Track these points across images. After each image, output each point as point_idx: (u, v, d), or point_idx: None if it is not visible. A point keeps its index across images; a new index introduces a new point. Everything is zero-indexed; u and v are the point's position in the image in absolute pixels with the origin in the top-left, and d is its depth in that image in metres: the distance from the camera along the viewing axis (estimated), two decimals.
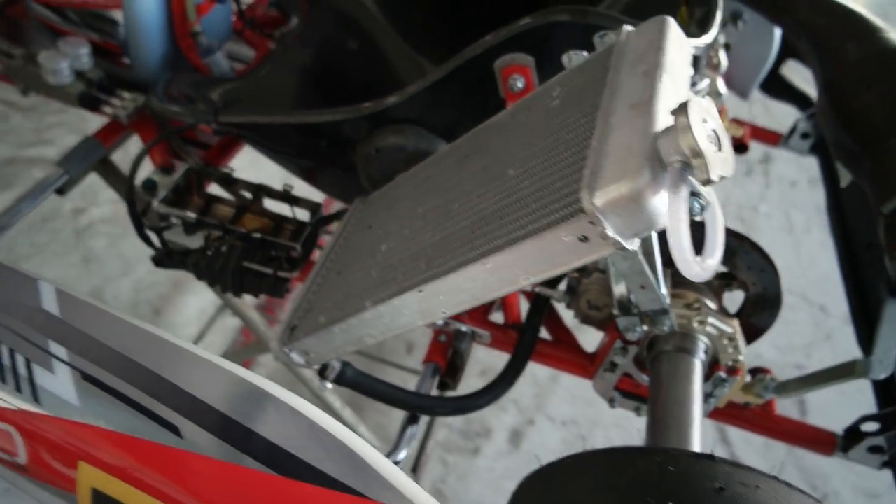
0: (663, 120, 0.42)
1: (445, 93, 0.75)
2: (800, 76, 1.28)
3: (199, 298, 1.67)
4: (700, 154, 0.38)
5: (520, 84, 0.70)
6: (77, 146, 0.92)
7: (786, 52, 1.22)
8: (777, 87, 1.29)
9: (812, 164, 1.32)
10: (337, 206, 0.93)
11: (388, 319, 0.56)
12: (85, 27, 0.96)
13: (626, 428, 1.55)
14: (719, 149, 0.40)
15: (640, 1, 0.85)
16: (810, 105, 1.27)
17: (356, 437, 0.44)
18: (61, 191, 0.91)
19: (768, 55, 1.20)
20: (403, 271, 0.56)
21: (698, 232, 0.42)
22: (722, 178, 0.39)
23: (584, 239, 0.42)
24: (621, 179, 0.39)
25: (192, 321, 1.66)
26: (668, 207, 0.39)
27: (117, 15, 0.93)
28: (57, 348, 0.51)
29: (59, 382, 0.51)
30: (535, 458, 0.61)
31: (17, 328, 0.53)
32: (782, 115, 1.50)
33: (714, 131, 0.40)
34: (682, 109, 0.38)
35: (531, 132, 0.55)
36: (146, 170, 0.86)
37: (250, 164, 1.09)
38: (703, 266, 0.41)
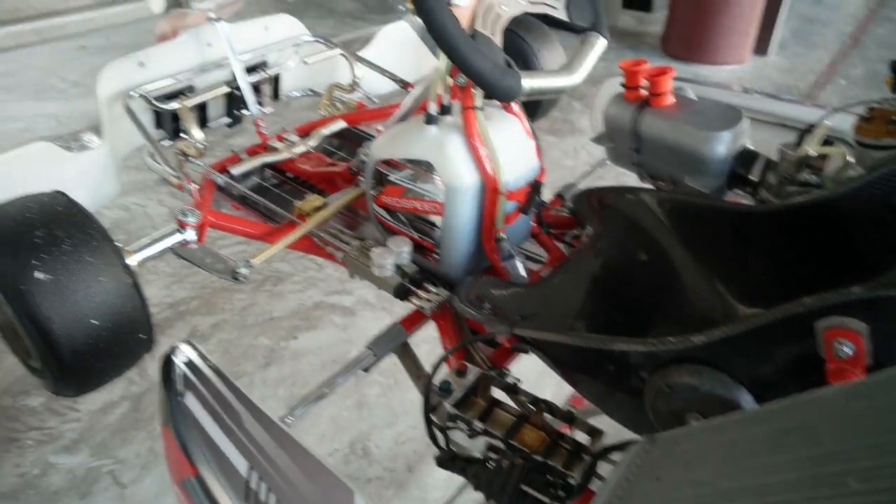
0: None
1: (755, 343, 0.70)
2: None
3: None
4: None
5: (847, 350, 0.63)
6: (385, 332, 1.04)
7: None
8: None
9: None
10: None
11: None
12: (409, 226, 1.11)
13: None
14: None
15: None
16: None
17: None
18: (367, 369, 1.02)
19: None
20: None
21: None
22: None
23: None
24: None
25: (441, 484, 1.70)
26: None
27: (436, 218, 1.06)
28: None
29: None
30: None
31: None
32: None
33: None
34: None
35: (877, 435, 0.48)
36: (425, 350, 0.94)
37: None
38: None
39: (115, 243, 0.96)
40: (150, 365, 2.03)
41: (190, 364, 0.72)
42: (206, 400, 0.65)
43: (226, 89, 1.48)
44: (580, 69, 1.00)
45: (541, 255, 1.24)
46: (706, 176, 1.19)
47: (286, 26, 1.61)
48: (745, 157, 1.17)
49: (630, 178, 1.36)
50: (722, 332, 0.72)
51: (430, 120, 1.04)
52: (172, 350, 0.76)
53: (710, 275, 1.02)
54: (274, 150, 1.46)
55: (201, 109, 1.50)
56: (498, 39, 0.93)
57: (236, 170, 1.38)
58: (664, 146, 1.22)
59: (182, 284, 2.40)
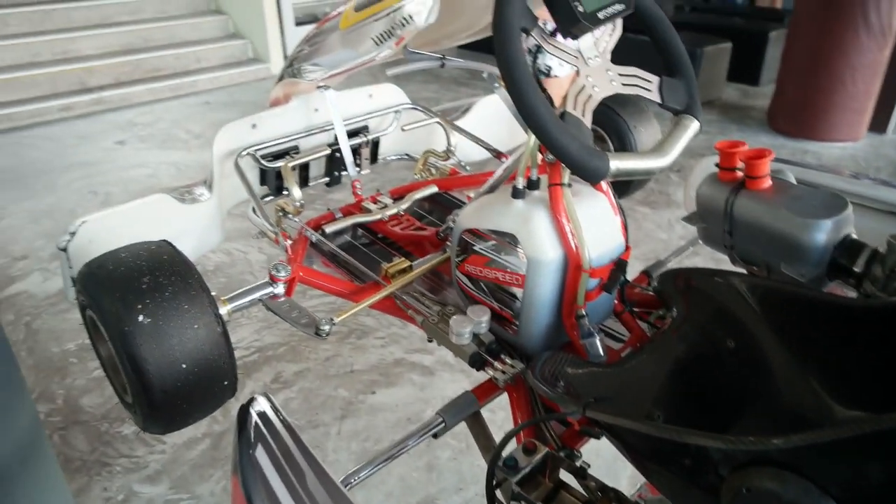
0: None
1: (854, 452, 0.65)
2: None
3: None
4: None
5: None
6: (456, 400, 1.04)
7: None
8: None
9: None
10: None
11: None
12: (490, 296, 1.12)
13: None
14: None
15: None
16: None
17: None
18: (436, 435, 1.02)
19: None
20: None
21: None
22: None
23: None
24: None
25: None
26: None
27: (517, 290, 1.06)
28: None
29: None
30: None
31: None
32: None
33: None
34: None
35: None
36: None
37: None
38: None
39: (211, 293, 1.02)
40: (234, 405, 2.11)
41: (263, 416, 0.75)
42: (275, 454, 0.67)
43: (327, 151, 1.57)
44: (671, 152, 0.99)
45: (623, 333, 1.21)
46: (803, 264, 1.13)
47: (389, 95, 1.70)
48: (849, 247, 1.11)
49: (724, 261, 1.32)
50: (814, 436, 0.67)
51: (516, 194, 1.06)
52: (250, 401, 0.79)
53: (804, 370, 0.96)
54: (367, 210, 1.52)
55: (304, 168, 1.59)
56: (588, 119, 0.94)
57: (329, 228, 1.45)
58: (759, 231, 1.18)
59: (272, 330, 2.50)
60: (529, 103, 0.85)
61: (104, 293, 0.96)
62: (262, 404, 0.78)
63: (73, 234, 1.20)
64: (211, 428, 2.03)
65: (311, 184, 1.64)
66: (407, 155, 1.83)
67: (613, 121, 1.60)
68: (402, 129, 1.71)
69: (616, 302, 1.18)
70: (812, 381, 0.96)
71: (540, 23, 0.93)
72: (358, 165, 1.69)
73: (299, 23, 6.10)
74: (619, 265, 1.07)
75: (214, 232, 1.47)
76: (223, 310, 1.09)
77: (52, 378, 2.27)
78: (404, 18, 1.11)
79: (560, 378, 0.97)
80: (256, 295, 1.16)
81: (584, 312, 1.06)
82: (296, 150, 1.58)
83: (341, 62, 1.29)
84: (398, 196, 1.59)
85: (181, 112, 5.12)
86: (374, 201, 1.55)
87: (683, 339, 1.07)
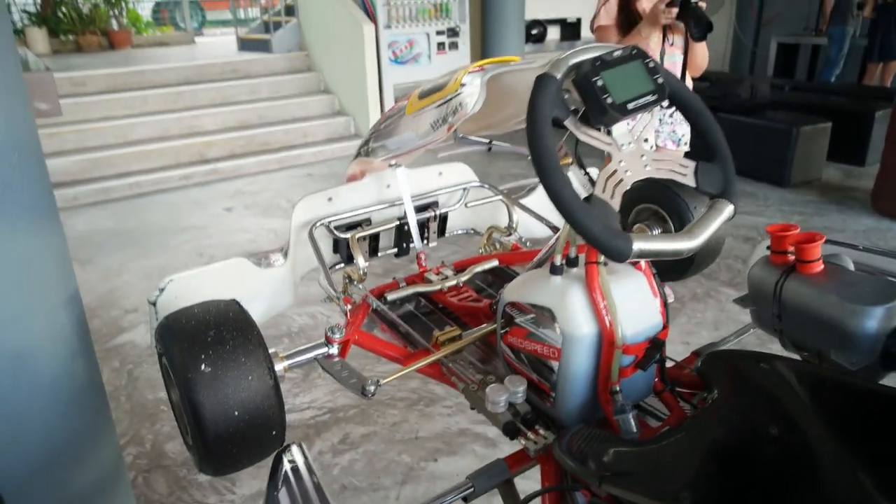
0: None
1: None
2: None
3: None
4: None
5: None
6: (488, 465, 1.07)
7: None
8: None
9: None
10: None
11: None
12: (530, 368, 1.16)
13: None
14: None
15: None
16: None
17: None
18: (466, 500, 1.05)
19: None
20: None
21: None
22: None
23: None
24: None
25: None
26: None
27: (554, 363, 1.10)
28: None
29: None
30: None
31: None
32: None
33: None
34: None
35: None
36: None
37: None
38: None
39: (268, 349, 1.13)
40: None
41: (294, 467, 0.81)
42: (296, 499, 0.74)
43: (395, 224, 1.68)
44: (700, 235, 1.01)
45: (665, 413, 1.20)
46: (854, 352, 1.09)
47: (458, 173, 1.81)
48: None
49: (776, 346, 1.29)
50: None
51: (555, 270, 1.11)
52: (284, 449, 0.86)
53: (852, 463, 0.92)
54: (428, 281, 1.60)
55: (374, 240, 1.71)
56: (616, 202, 0.99)
57: (391, 296, 1.54)
58: (807, 316, 1.15)
59: (345, 392, 2.58)
60: (555, 188, 0.92)
61: (174, 342, 1.08)
62: (295, 454, 0.85)
63: (161, 290, 1.36)
64: None
65: (380, 255, 1.75)
66: (473, 230, 1.92)
67: (673, 201, 1.62)
68: (466, 206, 1.80)
69: (657, 380, 1.18)
70: (861, 476, 0.93)
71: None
72: (426, 238, 1.80)
73: (398, 100, 6.50)
74: (654, 343, 1.09)
75: (286, 295, 1.60)
76: (280, 365, 1.19)
77: (143, 423, 2.46)
78: (457, 106, 1.22)
79: (588, 452, 0.98)
80: (312, 354, 1.25)
81: (617, 388, 1.08)
82: (368, 222, 1.70)
83: (405, 145, 1.41)
84: (461, 269, 1.67)
85: (285, 182, 5.53)
86: (437, 273, 1.64)
87: (721, 421, 1.06)
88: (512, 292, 1.19)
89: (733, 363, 1.12)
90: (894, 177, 4.25)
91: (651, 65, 1.05)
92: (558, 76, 0.97)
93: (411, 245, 1.76)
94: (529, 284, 1.16)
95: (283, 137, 6.13)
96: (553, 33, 8.59)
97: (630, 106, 0.99)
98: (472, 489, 1.04)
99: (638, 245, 0.93)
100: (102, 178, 5.23)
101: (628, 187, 1.03)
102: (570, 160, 1.39)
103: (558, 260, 1.11)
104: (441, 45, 6.60)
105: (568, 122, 1.00)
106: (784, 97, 5.91)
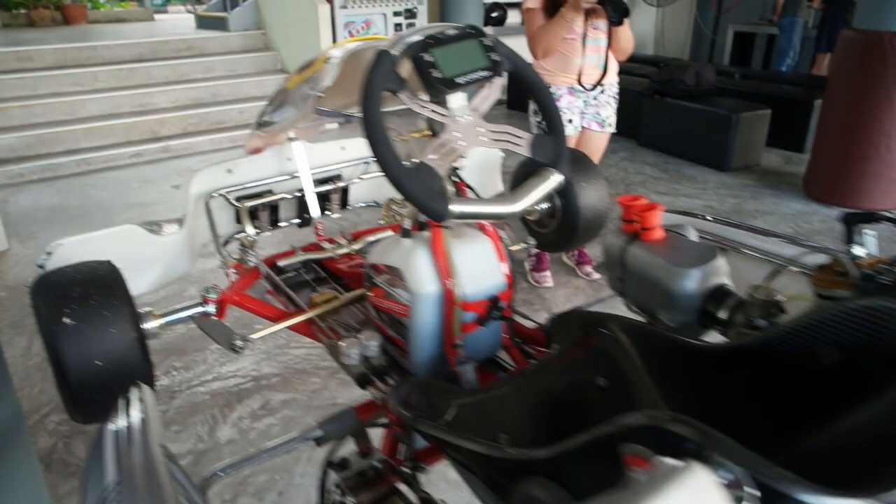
0: None
1: (581, 462, 0.74)
2: None
3: None
4: None
5: (640, 478, 0.65)
6: (338, 413, 1.16)
7: None
8: None
9: None
10: None
11: None
12: (388, 324, 1.25)
13: None
14: None
15: None
16: None
17: None
18: (318, 442, 1.13)
19: None
20: None
21: None
22: None
23: None
24: None
25: None
26: None
27: (406, 320, 1.18)
28: None
29: None
30: None
31: None
32: None
33: None
34: None
35: None
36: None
37: None
38: None
39: (135, 306, 1.20)
40: (226, 432, 2.28)
41: (142, 404, 0.88)
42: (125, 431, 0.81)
43: (294, 196, 1.75)
44: (521, 200, 1.10)
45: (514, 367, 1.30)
46: (676, 311, 1.20)
47: (360, 147, 1.88)
48: (718, 296, 1.17)
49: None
50: (554, 449, 0.76)
51: (405, 233, 1.19)
52: (134, 386, 0.93)
53: (669, 408, 1.03)
54: (322, 249, 1.68)
55: (274, 211, 1.78)
56: (444, 169, 1.06)
57: (283, 262, 1.62)
58: (643, 278, 1.25)
59: (270, 362, 2.68)
60: (381, 154, 1.00)
61: (41, 298, 1.15)
62: (146, 393, 0.91)
63: (49, 254, 1.41)
64: (195, 447, 2.20)
65: (281, 225, 1.82)
66: (375, 202, 2.00)
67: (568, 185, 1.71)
68: (360, 178, 1.88)
69: (506, 337, 1.27)
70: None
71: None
72: (329, 210, 1.87)
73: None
74: (494, 302, 1.18)
75: (183, 262, 1.66)
76: (154, 322, 1.26)
77: None
78: (317, 81, 1.30)
79: (422, 401, 1.07)
80: (188, 313, 1.33)
81: (459, 342, 1.17)
82: (270, 193, 1.77)
83: (286, 118, 1.48)
84: (357, 238, 1.75)
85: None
86: (332, 242, 1.71)
87: (552, 372, 1.16)
88: (373, 255, 1.27)
89: (572, 322, 1.21)
90: (824, 163, 4.41)
91: (488, 43, 1.13)
92: (394, 52, 1.05)
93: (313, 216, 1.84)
94: (385, 247, 1.24)
95: (237, 116, 6.11)
96: (514, 17, 8.63)
97: (460, 80, 1.07)
98: (321, 434, 1.13)
99: (456, 207, 1.02)
100: (50, 154, 5.19)
101: (463, 156, 1.11)
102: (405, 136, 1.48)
103: (407, 223, 1.19)
104: (398, 27, 6.62)
105: (402, 95, 1.08)
106: (732, 84, 6.05)
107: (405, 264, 1.17)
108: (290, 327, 1.35)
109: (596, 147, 3.07)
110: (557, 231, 1.74)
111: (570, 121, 2.96)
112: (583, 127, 3.01)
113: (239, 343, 1.26)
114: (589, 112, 3.00)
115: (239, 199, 1.71)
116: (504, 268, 1.22)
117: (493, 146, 1.13)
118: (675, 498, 0.50)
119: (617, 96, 3.02)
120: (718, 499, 0.52)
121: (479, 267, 1.19)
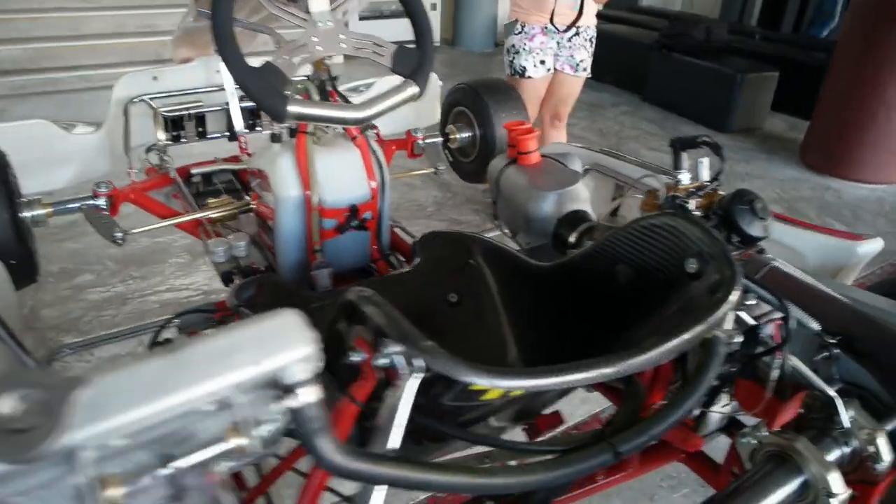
0: None
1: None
2: None
3: None
4: None
5: (356, 357, 0.70)
6: (198, 305, 1.21)
7: None
8: None
9: None
10: None
11: None
12: (266, 231, 1.28)
13: None
14: None
15: None
16: None
17: None
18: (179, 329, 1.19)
19: None
20: None
21: None
22: None
23: None
24: None
25: None
26: None
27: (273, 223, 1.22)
28: None
29: None
30: None
31: None
32: None
33: None
34: None
35: None
36: None
37: None
38: None
39: (13, 189, 1.25)
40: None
41: None
42: None
43: (215, 109, 1.77)
44: (370, 109, 1.11)
45: None
46: (531, 233, 1.22)
47: None
48: (571, 220, 1.18)
49: None
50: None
51: (274, 138, 1.22)
52: None
53: (513, 324, 1.07)
54: (238, 160, 1.72)
55: (200, 122, 1.81)
56: (292, 72, 1.08)
57: (195, 170, 1.66)
58: (508, 200, 1.27)
59: None
60: (225, 51, 1.02)
61: None
62: None
63: None
64: (135, 349, 2.29)
65: (209, 137, 1.85)
66: None
67: (478, 103, 1.71)
68: None
69: (374, 248, 1.31)
70: (516, 335, 1.08)
71: None
72: (260, 125, 1.90)
73: None
74: (353, 210, 1.21)
75: (101, 163, 1.71)
76: (42, 210, 1.32)
77: (27, 291, 2.61)
78: None
79: (264, 301, 1.12)
80: (77, 204, 1.38)
81: (318, 248, 1.21)
82: (200, 105, 1.80)
83: (187, 21, 1.50)
84: None
85: None
86: (250, 154, 1.75)
87: (405, 284, 1.19)
88: (252, 160, 1.30)
89: (432, 238, 1.24)
90: (823, 131, 4.29)
91: None
92: None
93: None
94: (260, 153, 1.27)
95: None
96: None
97: None
98: (178, 323, 1.18)
99: (295, 108, 1.04)
100: (52, 69, 5.25)
101: (321, 59, 1.13)
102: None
103: (276, 128, 1.22)
104: None
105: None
106: (746, 45, 5.85)
107: (271, 168, 1.20)
108: (176, 225, 1.40)
109: (569, 91, 3.03)
110: (477, 160, 1.75)
111: (543, 62, 2.91)
112: (556, 69, 2.97)
113: (119, 235, 1.31)
114: (563, 55, 2.94)
115: (159, 106, 1.74)
116: (370, 181, 1.24)
117: (352, 54, 1.14)
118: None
119: (593, 40, 2.96)
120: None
121: (342, 176, 1.21)
